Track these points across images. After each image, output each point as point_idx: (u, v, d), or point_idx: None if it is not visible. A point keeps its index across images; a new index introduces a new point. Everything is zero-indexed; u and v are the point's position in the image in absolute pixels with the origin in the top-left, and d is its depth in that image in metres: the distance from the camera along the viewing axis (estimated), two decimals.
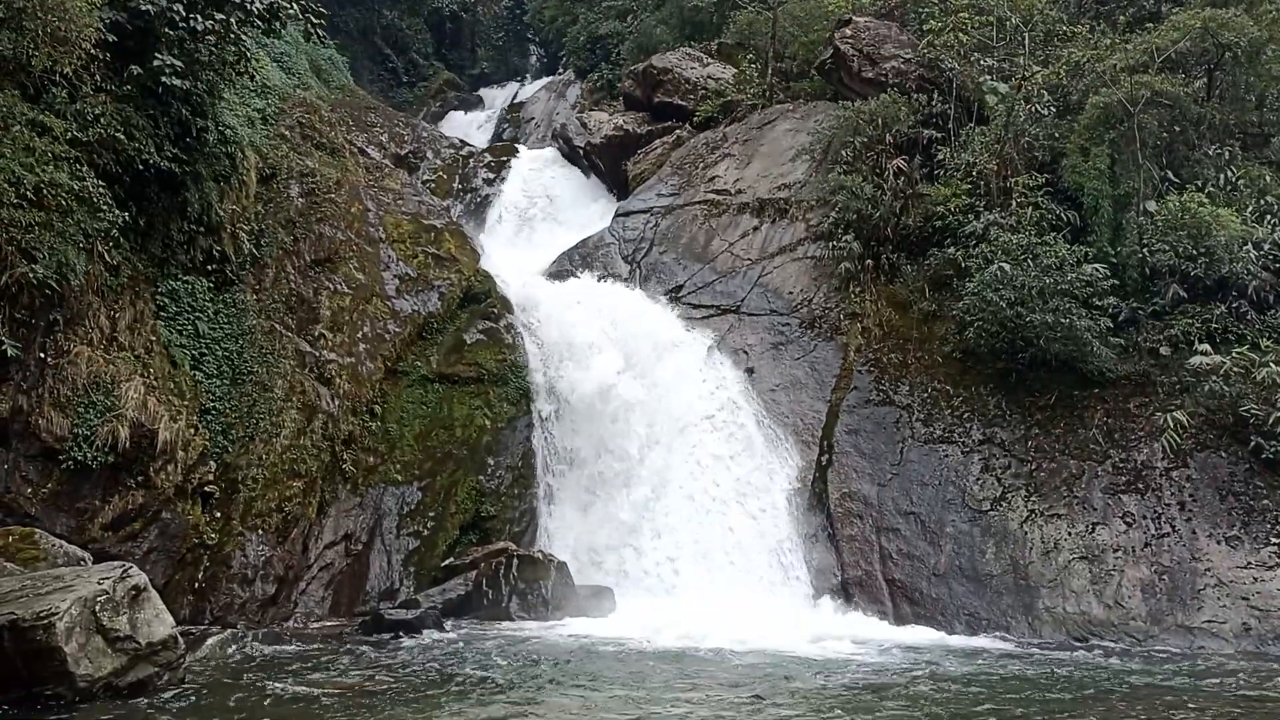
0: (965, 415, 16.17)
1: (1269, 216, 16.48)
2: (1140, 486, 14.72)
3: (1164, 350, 15.73)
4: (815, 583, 14.89)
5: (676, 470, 16.07)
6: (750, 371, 17.57)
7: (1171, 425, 14.72)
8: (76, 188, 10.73)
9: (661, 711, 8.36)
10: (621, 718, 8.19)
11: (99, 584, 8.63)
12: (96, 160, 11.32)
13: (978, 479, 15.40)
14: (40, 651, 8.05)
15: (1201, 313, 15.76)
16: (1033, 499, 14.99)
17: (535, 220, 23.70)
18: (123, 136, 11.55)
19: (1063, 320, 15.21)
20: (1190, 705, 9.34)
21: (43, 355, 10.91)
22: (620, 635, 12.36)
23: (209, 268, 13.71)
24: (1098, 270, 15.73)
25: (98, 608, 8.41)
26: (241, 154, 14.19)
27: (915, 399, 16.52)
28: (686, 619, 12.94)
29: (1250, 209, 16.54)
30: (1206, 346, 15.17)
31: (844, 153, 19.36)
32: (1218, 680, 10.74)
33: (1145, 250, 16.19)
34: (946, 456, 15.74)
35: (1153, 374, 15.63)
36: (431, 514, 14.70)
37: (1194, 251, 15.76)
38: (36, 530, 10.01)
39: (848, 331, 17.76)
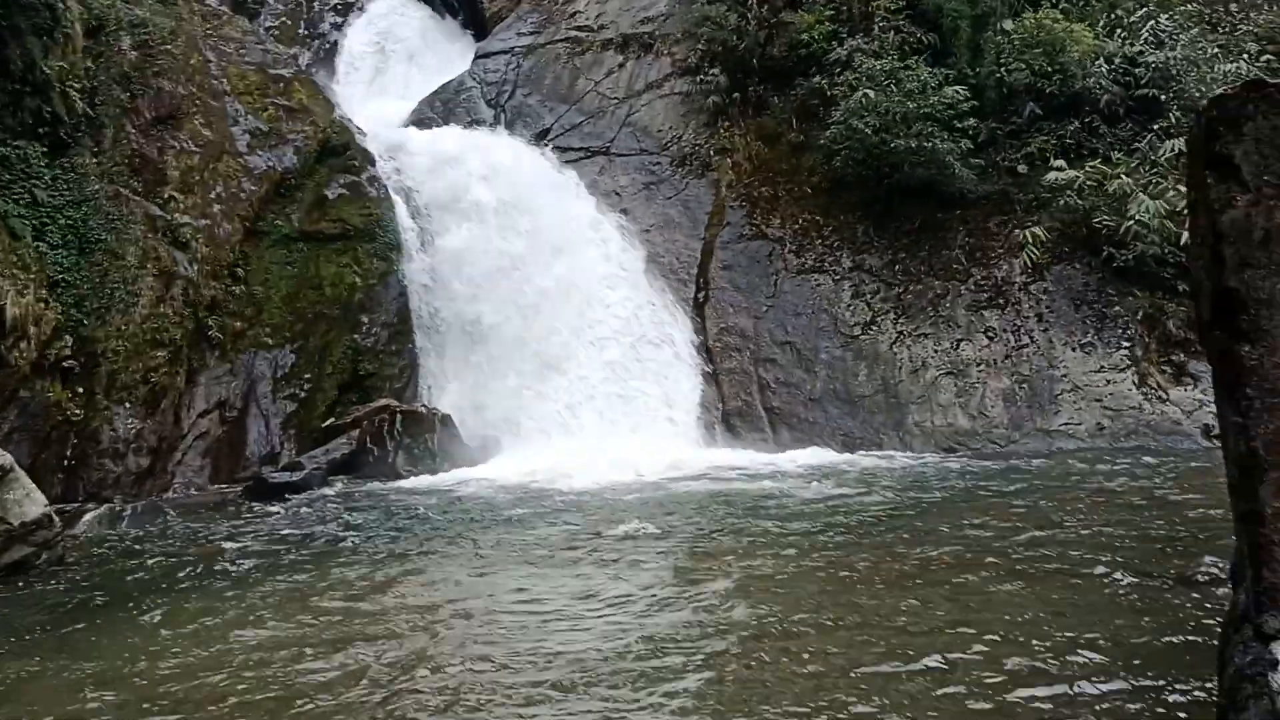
0: (835, 244, 16.48)
1: (1119, 30, 16.86)
2: (1000, 302, 15.34)
3: (1021, 168, 16.19)
4: (698, 418, 15.25)
5: (559, 317, 16.05)
6: (624, 213, 17.47)
7: (1029, 240, 15.28)
8: None
9: (549, 549, 8.54)
10: (507, 554, 8.35)
11: None
12: None
13: (849, 305, 15.81)
14: None
15: (1056, 129, 16.21)
16: (901, 321, 15.50)
17: (390, 66, 22.64)
18: None
19: (925, 144, 15.46)
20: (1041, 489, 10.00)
21: None
22: (503, 481, 12.48)
23: (40, 130, 12.76)
24: (958, 93, 15.93)
25: None
26: (63, 4, 13.09)
27: (787, 231, 16.73)
28: (566, 460, 13.09)
29: (1102, 23, 16.88)
30: (1061, 162, 15.67)
31: None
32: (1070, 470, 11.54)
33: (1003, 70, 16.44)
34: (819, 285, 16.08)
35: (1011, 192, 16.12)
36: (307, 375, 14.43)
37: (1049, 69, 16.08)
38: None
39: (718, 168, 17.75)
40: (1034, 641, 5.40)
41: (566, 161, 18.20)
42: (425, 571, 7.99)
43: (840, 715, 4.56)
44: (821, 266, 16.27)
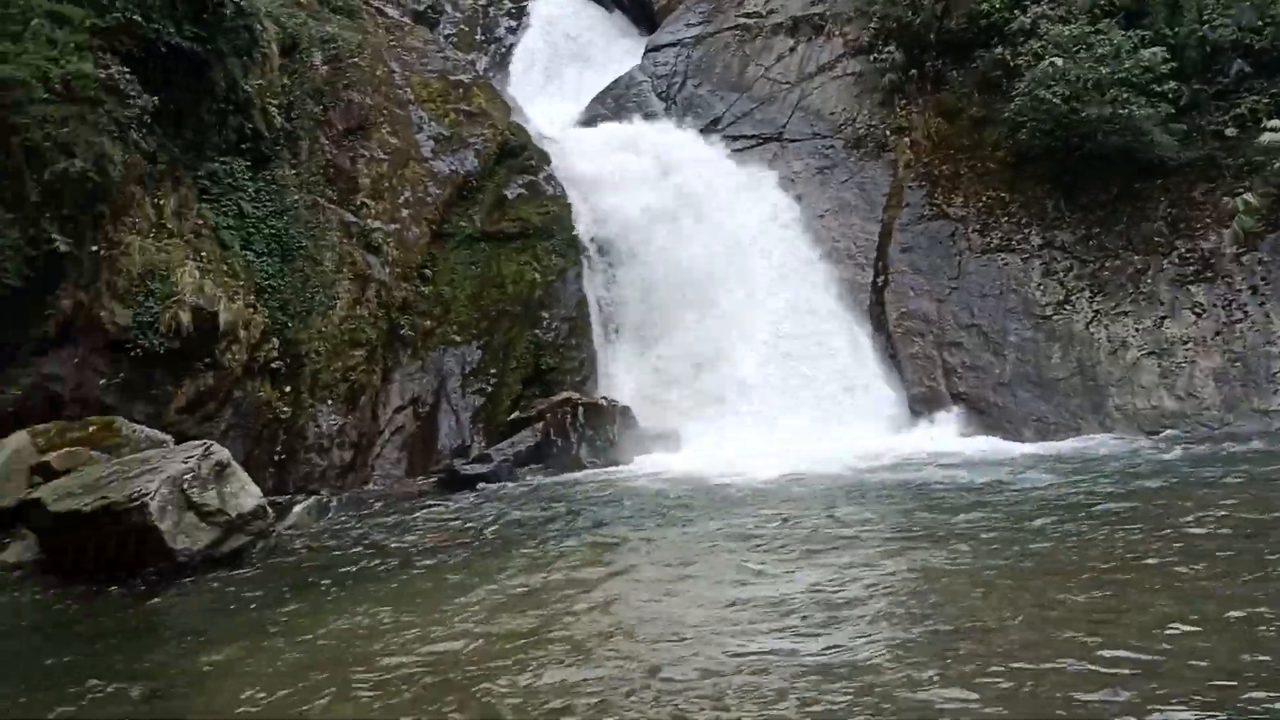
0: (1023, 221, 15.79)
1: None
2: (1209, 275, 14.37)
3: (1230, 131, 15.09)
4: (882, 405, 14.90)
5: (736, 304, 15.99)
6: (799, 199, 17.24)
7: (1240, 208, 14.24)
8: (103, 76, 10.57)
9: (748, 534, 8.50)
10: (706, 546, 8.34)
11: (184, 463, 8.85)
12: (118, 47, 11.10)
13: (1039, 284, 15.13)
14: (138, 531, 8.31)
15: (1268, 87, 15.03)
16: (1097, 299, 14.73)
17: (563, 65, 23.06)
18: (140, 19, 11.29)
19: (1120, 111, 14.61)
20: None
21: (95, 249, 10.95)
22: (689, 470, 12.51)
23: (243, 146, 13.56)
24: (1156, 54, 14.97)
25: (185, 485, 8.64)
26: (260, 25, 13.85)
27: (970, 210, 16.14)
28: (748, 450, 13.01)
29: None
30: (1276, 122, 14.51)
31: None
32: None
33: (1205, 26, 15.35)
34: (1006, 265, 15.45)
35: (1218, 157, 15.05)
36: (493, 371, 14.85)
37: (1258, 22, 14.92)
38: (116, 418, 10.25)
39: (895, 148, 17.28)
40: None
41: (738, 150, 18.10)
42: (615, 559, 8.08)
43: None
44: (1009, 245, 15.62)
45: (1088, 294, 14.82)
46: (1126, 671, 4.64)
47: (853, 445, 12.97)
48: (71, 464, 9.29)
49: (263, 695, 5.32)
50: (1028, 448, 13.06)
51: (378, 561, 8.64)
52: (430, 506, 11.36)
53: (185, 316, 11.36)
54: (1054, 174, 15.72)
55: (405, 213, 15.21)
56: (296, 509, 11.14)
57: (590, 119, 19.51)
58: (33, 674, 5.78)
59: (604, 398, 14.79)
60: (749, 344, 15.57)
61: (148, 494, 8.35)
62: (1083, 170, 15.46)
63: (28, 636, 6.62)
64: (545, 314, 15.52)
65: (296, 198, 13.78)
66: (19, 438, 9.28)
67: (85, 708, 5.11)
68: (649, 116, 19.06)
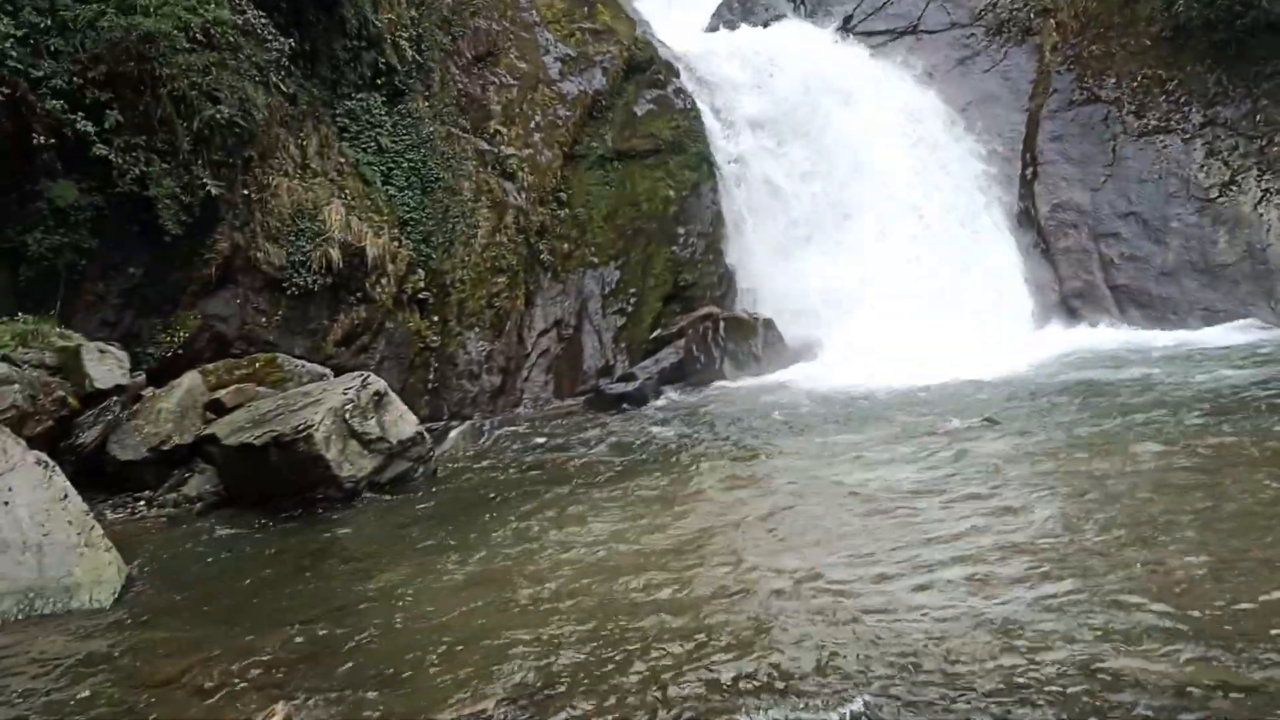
0: (1182, 100, 14.81)
1: None
2: None
3: None
4: (1034, 303, 14.37)
5: (874, 205, 15.57)
6: (939, 94, 16.56)
7: None
8: (240, 22, 10.86)
9: (897, 446, 8.38)
10: (843, 451, 8.27)
11: (344, 394, 9.21)
12: None
13: (1202, 166, 14.23)
14: (306, 461, 8.71)
15: None
16: (1266, 178, 13.79)
17: None
18: None
19: None
20: None
21: (246, 192, 11.38)
22: (829, 380, 12.37)
23: (378, 82, 13.79)
24: None
25: (347, 415, 8.99)
26: None
27: (1124, 91, 15.22)
28: (895, 355, 12.74)
29: None
30: None
31: None
32: None
33: None
34: (1165, 147, 14.57)
35: None
36: (632, 290, 14.90)
37: None
38: (278, 354, 10.73)
39: (1040, 30, 16.37)
40: None
41: (873, 46, 17.44)
42: (764, 467, 8.10)
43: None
44: (1167, 126, 14.69)
45: (1255, 173, 13.86)
46: None
47: (1004, 346, 12.58)
48: (240, 400, 9.78)
49: (432, 611, 5.57)
50: (1192, 335, 12.42)
51: (531, 481, 8.87)
52: (578, 427, 11.57)
53: (335, 253, 11.73)
54: (1215, 47, 14.63)
55: (537, 137, 15.26)
56: (452, 434, 11.52)
57: (718, 25, 19.08)
58: (224, 603, 6.17)
59: (745, 310, 14.71)
60: (892, 247, 15.16)
61: (312, 425, 8.73)
62: (1246, 41, 14.33)
63: (216, 567, 7.06)
64: (681, 230, 15.44)
65: (432, 129, 13.97)
66: (191, 377, 9.80)
67: (275, 634, 5.42)
68: (778, 18, 18.53)
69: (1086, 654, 3.95)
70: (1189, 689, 3.54)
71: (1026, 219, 14.96)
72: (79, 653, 5.27)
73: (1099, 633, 4.13)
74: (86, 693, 4.75)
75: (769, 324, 14.35)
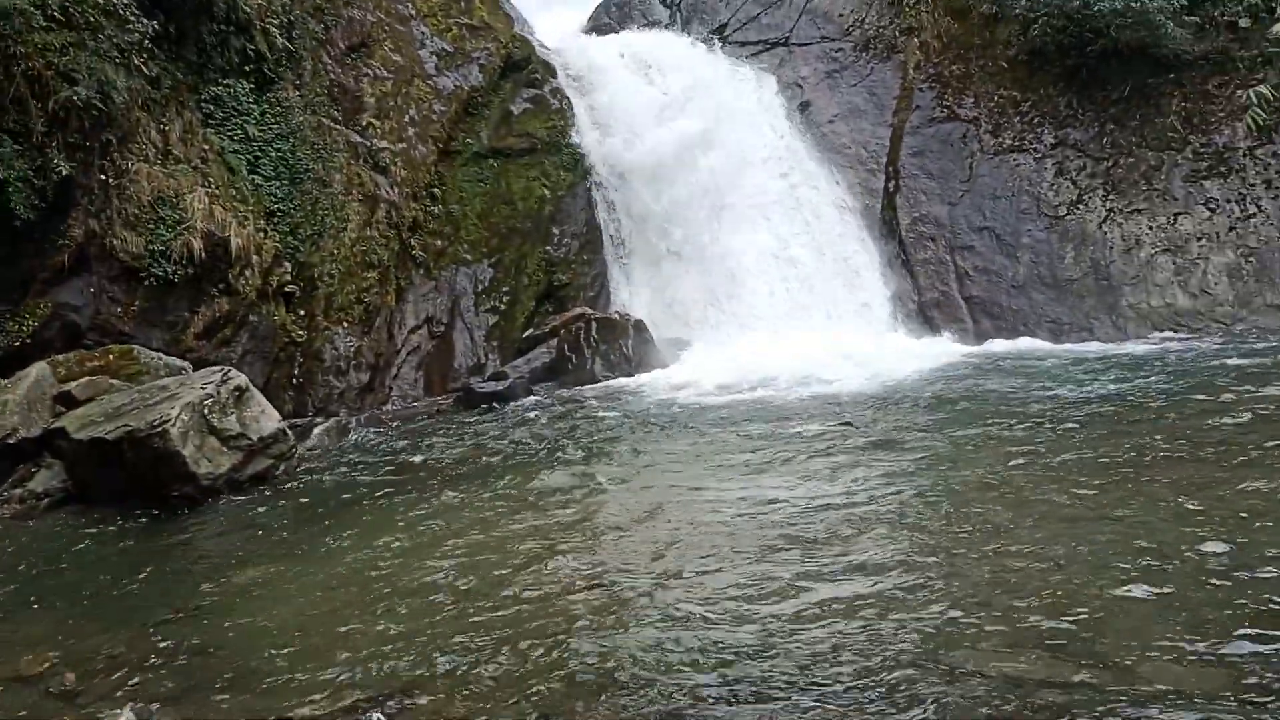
0: (1035, 120, 15.59)
1: None
2: (1223, 170, 14.22)
3: (1243, 22, 14.80)
4: (893, 311, 14.92)
5: (744, 217, 15.92)
6: (805, 106, 17.03)
7: (1254, 101, 13.99)
8: (102, 1, 10.47)
9: (758, 449, 8.61)
10: (724, 457, 8.47)
11: (203, 388, 8.97)
12: None
13: (1052, 184, 15.01)
14: (161, 457, 8.45)
15: None
16: (1111, 197, 14.62)
17: None
18: None
19: (1134, 3, 14.31)
20: None
21: (104, 177, 10.95)
22: (697, 381, 12.59)
23: (246, 69, 13.43)
24: None
25: (206, 410, 8.77)
26: None
27: (981, 110, 15.94)
28: (760, 359, 13.06)
29: None
30: None
31: None
32: None
33: None
34: (1018, 166, 15.31)
35: (1231, 50, 14.78)
36: (505, 289, 14.89)
37: None
38: (134, 346, 10.36)
39: (905, 49, 17.01)
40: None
41: (745, 56, 17.82)
42: (629, 468, 8.22)
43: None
44: (1021, 145, 15.45)
45: (1101, 192, 14.70)
46: None
47: (862, 352, 13.02)
48: (93, 392, 9.42)
49: (291, 610, 5.51)
50: (1037, 346, 13.11)
51: (397, 480, 8.80)
52: (446, 425, 11.52)
53: (197, 243, 11.39)
54: (1067, 72, 15.48)
55: (411, 131, 15.11)
56: (316, 431, 11.32)
57: (595, 27, 19.21)
58: (71, 602, 5.97)
59: (617, 312, 14.86)
60: (759, 255, 15.54)
61: (169, 420, 8.48)
62: (1095, 67, 15.21)
63: (63, 564, 6.81)
64: (556, 230, 15.50)
65: (302, 119, 13.69)
66: (40, 368, 9.41)
67: (124, 634, 5.29)
68: (653, 24, 18.76)
69: (926, 648, 4.18)
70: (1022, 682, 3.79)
71: (888, 230, 15.52)
72: None
73: (935, 630, 4.37)
74: None
75: (640, 325, 14.53)
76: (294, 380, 12.71)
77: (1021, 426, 8.29)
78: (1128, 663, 3.86)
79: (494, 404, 12.59)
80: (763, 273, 15.36)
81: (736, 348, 14.07)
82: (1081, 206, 14.70)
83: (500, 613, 5.05)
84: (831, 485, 6.95)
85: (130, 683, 4.64)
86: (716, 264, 15.53)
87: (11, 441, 8.75)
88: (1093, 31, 14.88)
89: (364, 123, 14.67)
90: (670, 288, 15.71)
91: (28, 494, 8.50)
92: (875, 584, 4.92)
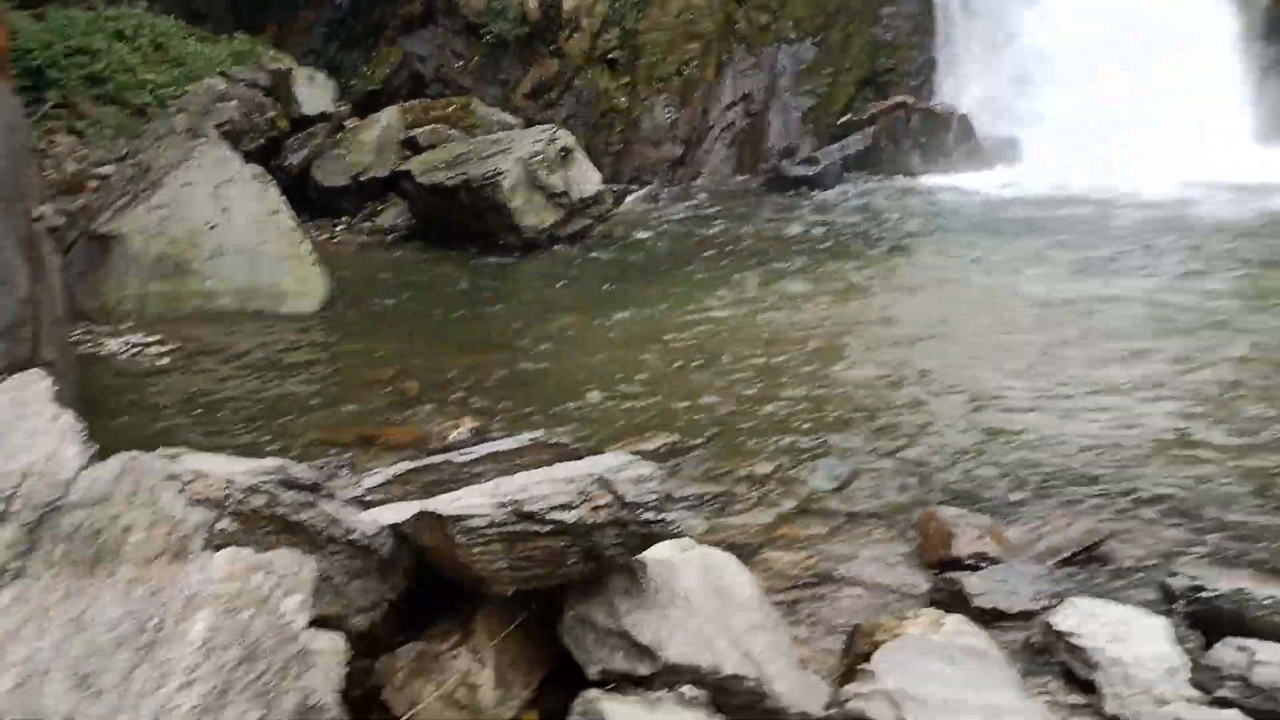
0: None
1: None
2: None
3: None
4: (1263, 122, 13.21)
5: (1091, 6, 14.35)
6: None
7: None
8: None
9: (1060, 251, 8.14)
10: (1016, 257, 8.09)
11: (532, 145, 9.41)
12: None
13: None
14: (492, 206, 9.03)
15: None
16: None
17: None
18: None
19: None
20: None
21: None
22: (1023, 185, 11.85)
23: None
24: None
25: (534, 166, 9.21)
26: None
27: None
28: (1103, 165, 12.04)
29: None
30: None
31: None
32: None
33: None
34: None
35: None
36: (827, 70, 14.38)
37: None
38: (473, 99, 10.97)
39: None
40: None
41: None
42: (927, 263, 8.05)
43: None
44: None
45: None
46: None
47: (1227, 162, 11.69)
48: (434, 140, 10.12)
49: (601, 357, 5.93)
50: None
51: (703, 253, 8.99)
52: (755, 205, 11.54)
53: (532, 3, 11.71)
54: None
55: None
56: (630, 197, 11.69)
57: None
58: (414, 327, 6.69)
59: (941, 103, 14.06)
60: (1106, 49, 14.02)
61: (501, 173, 9.00)
62: None
63: (405, 295, 7.57)
64: (886, 10, 14.65)
65: None
66: (389, 113, 10.16)
67: (459, 358, 5.89)
68: None
69: None
70: None
71: (1273, 29, 13.56)
72: (296, 344, 5.98)
73: None
74: (303, 378, 5.36)
75: (964, 120, 13.66)
76: (610, 147, 13.04)
77: None
78: None
79: (804, 188, 12.41)
80: (1110, 72, 13.88)
81: (1069, 155, 13.00)
82: None
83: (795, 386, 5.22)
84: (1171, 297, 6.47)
85: (461, 399, 5.19)
86: (1059, 60, 14.18)
87: (364, 179, 9.63)
88: None
89: None
90: (1002, 84, 14.58)
91: (376, 228, 9.40)
92: None
